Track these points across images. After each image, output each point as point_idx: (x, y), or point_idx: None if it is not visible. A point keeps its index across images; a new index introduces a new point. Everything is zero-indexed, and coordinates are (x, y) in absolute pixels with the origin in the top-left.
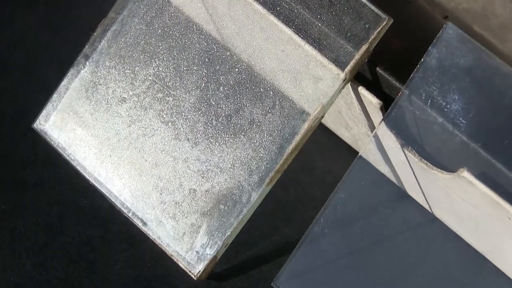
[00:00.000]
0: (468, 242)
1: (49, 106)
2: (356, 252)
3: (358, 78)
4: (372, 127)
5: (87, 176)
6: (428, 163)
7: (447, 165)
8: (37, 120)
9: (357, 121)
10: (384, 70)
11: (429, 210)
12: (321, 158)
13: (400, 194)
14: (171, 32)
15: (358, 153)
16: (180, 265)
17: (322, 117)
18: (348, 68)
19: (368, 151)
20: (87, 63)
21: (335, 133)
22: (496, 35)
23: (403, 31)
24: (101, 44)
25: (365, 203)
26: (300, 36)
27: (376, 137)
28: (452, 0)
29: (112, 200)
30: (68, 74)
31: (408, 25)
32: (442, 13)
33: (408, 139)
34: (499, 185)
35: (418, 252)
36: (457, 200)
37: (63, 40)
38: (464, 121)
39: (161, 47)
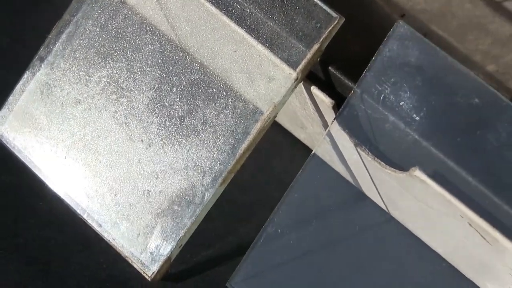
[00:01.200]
0: (425, 241)
1: (4, 109)
2: (312, 253)
3: (311, 77)
4: (326, 126)
5: (42, 178)
6: (382, 162)
7: (400, 164)
8: None
9: (312, 121)
10: (336, 70)
11: (386, 210)
12: (278, 159)
13: (356, 194)
14: (124, 33)
15: None
16: (135, 266)
17: (275, 117)
18: (300, 67)
19: (323, 150)
20: (42, 65)
21: (292, 133)
22: (454, 35)
23: (359, 30)
24: (56, 46)
25: (320, 202)
26: (252, 36)
27: (329, 136)
28: (409, 0)
29: (67, 201)
30: (24, 76)
31: (365, 24)
32: (400, 13)
33: (361, 138)
34: (451, 184)
35: (375, 252)
36: (411, 199)
37: (21, 44)
38: (416, 120)
39: (114, 49)
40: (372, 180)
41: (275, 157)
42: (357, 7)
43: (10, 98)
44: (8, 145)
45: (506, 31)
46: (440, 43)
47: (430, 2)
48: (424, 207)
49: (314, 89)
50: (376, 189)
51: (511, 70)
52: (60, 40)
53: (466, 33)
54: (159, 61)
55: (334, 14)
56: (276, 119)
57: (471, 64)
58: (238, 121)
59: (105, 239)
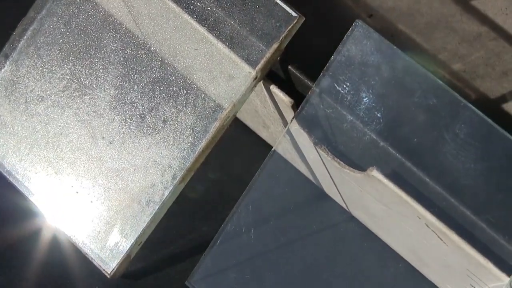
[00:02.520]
0: (385, 241)
1: None
2: (271, 252)
3: (272, 76)
4: (286, 125)
5: (5, 175)
6: (341, 162)
7: (359, 164)
8: None
9: (273, 120)
10: (296, 69)
11: (346, 209)
12: (241, 157)
13: (317, 192)
14: (87, 31)
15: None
16: (94, 263)
17: (234, 115)
18: (259, 66)
19: (284, 149)
20: (7, 62)
21: (254, 132)
22: (421, 34)
23: (321, 29)
24: (21, 43)
25: (280, 201)
26: (213, 35)
27: (289, 134)
28: None
29: (29, 198)
30: None
31: (327, 23)
32: (367, 11)
33: (320, 137)
34: (408, 184)
35: (335, 251)
36: (371, 199)
37: None
38: (374, 119)
39: (78, 46)
40: (332, 179)
41: (237, 155)
42: (320, 6)
43: None
44: None
45: (473, 30)
46: (407, 41)
47: (398, 0)
48: (383, 207)
49: (274, 88)
50: (336, 188)
51: (477, 69)
52: (25, 37)
53: (433, 31)
54: (121, 59)
55: (293, 13)
56: (238, 117)
57: (438, 62)
58: (198, 119)
59: (66, 235)
